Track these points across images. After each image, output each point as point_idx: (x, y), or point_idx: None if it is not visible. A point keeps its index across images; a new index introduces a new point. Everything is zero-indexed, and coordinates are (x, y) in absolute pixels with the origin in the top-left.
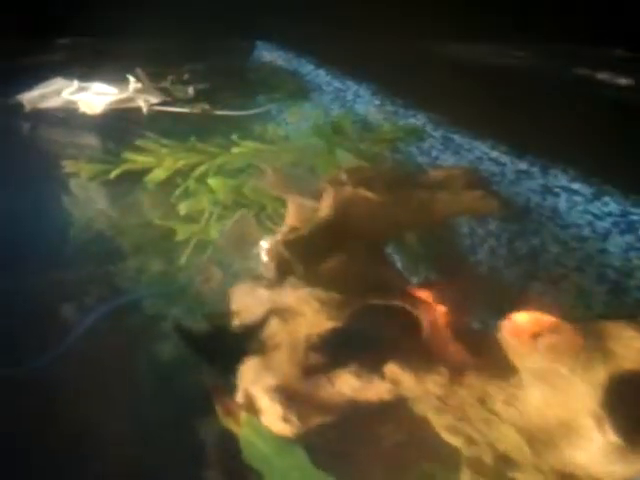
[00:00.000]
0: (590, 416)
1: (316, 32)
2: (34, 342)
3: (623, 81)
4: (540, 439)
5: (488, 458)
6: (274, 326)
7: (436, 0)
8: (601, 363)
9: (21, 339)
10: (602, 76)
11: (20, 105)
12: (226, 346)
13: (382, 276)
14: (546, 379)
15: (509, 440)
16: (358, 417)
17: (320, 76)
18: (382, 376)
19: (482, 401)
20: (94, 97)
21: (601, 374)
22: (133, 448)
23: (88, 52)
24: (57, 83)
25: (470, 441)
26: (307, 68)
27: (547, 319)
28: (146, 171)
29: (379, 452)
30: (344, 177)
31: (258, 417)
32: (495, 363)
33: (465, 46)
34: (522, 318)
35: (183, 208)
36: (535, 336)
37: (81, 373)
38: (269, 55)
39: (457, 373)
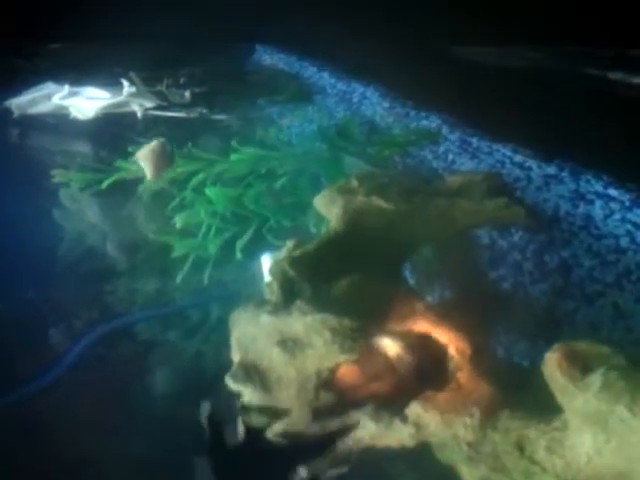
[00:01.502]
0: None
1: (318, 35)
2: (19, 371)
3: (637, 80)
4: None
5: None
6: (280, 360)
7: (449, 2)
8: None
9: (4, 367)
10: (615, 76)
11: (8, 111)
12: None
13: (400, 297)
14: (599, 422)
15: None
16: (375, 467)
17: (324, 79)
18: (404, 419)
19: (520, 448)
20: (86, 102)
21: None
22: None
23: (80, 57)
24: (47, 88)
25: None
26: (310, 71)
27: (600, 350)
28: (140, 180)
29: None
30: (355, 184)
31: None
32: (533, 402)
33: (478, 49)
34: (570, 349)
35: (179, 221)
36: (586, 371)
37: (70, 406)
38: (269, 58)
39: (490, 414)
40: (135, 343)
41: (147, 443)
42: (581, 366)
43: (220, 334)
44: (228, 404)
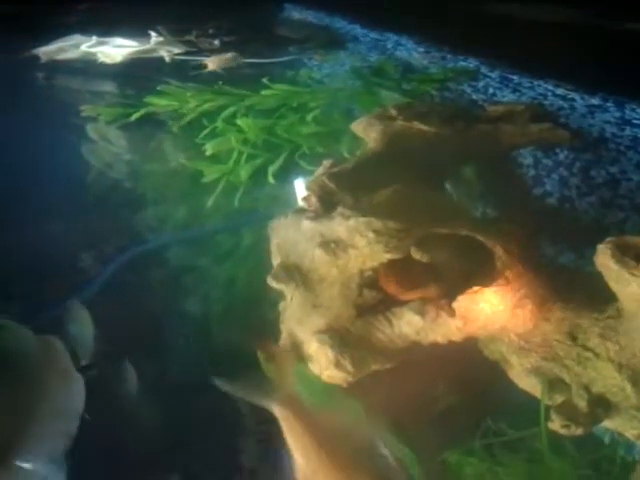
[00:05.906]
0: None
1: None
2: (49, 294)
3: None
4: None
5: (582, 402)
6: (322, 261)
7: None
8: None
9: (36, 290)
10: None
11: (36, 57)
12: None
13: (443, 206)
14: None
15: (607, 380)
16: (421, 363)
17: (355, 29)
18: (451, 313)
19: (573, 337)
20: (114, 49)
21: None
22: (159, 415)
23: (108, 15)
24: (75, 38)
25: (559, 383)
26: (341, 23)
27: None
28: (169, 114)
29: (440, 404)
30: (394, 112)
31: (305, 364)
32: (584, 294)
33: (513, 5)
34: (623, 241)
35: (210, 148)
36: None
37: (99, 332)
38: (299, 14)
39: (541, 306)
40: (165, 268)
41: (179, 367)
42: (634, 255)
43: (252, 259)
44: (261, 326)
